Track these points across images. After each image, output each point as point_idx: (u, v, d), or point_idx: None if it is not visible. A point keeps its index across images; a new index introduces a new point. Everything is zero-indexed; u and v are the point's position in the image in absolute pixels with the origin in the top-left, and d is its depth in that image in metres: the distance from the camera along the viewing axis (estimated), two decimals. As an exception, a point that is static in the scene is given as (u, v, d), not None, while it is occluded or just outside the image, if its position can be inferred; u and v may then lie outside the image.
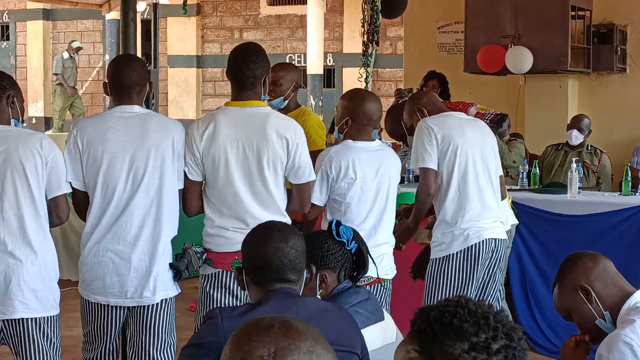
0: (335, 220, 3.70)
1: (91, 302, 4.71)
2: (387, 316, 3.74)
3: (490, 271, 5.46)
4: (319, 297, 3.60)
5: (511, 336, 1.85)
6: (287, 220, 4.73)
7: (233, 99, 4.77)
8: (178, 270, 4.65)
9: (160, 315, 4.70)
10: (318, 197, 5.02)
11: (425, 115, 5.53)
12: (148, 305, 4.67)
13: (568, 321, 3.52)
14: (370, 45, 9.14)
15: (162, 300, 4.69)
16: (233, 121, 4.66)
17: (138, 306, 4.68)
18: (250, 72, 4.72)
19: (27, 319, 4.42)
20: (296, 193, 4.79)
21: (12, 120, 4.55)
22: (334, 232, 3.67)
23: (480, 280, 5.43)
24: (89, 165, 4.63)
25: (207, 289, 4.70)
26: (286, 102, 5.82)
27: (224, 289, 4.66)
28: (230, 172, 4.64)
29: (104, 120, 4.72)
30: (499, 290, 5.96)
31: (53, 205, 4.53)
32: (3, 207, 4.40)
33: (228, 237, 4.63)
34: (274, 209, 4.70)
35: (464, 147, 5.35)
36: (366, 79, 9.07)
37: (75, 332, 6.11)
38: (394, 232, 5.28)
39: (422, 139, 5.35)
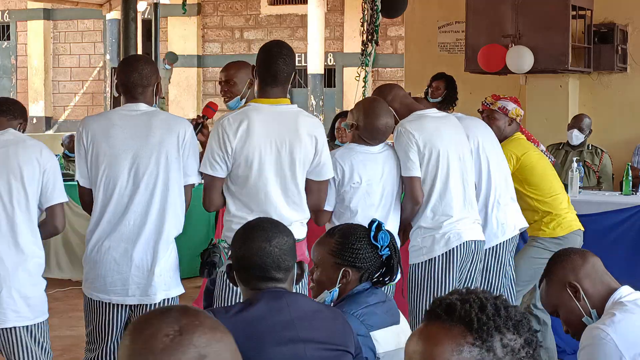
0: (377, 222, 3.67)
1: (94, 300, 4.70)
2: (403, 320, 3.73)
3: (473, 273, 5.45)
4: (337, 290, 3.59)
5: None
6: (309, 216, 4.77)
7: (261, 96, 4.75)
8: (214, 264, 4.61)
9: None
10: (328, 202, 5.02)
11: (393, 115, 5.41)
12: (151, 305, 4.66)
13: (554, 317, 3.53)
14: (369, 44, 9.11)
15: (164, 300, 4.68)
16: (266, 119, 4.66)
17: (140, 305, 4.67)
18: (286, 67, 4.72)
19: (19, 327, 4.45)
20: (316, 190, 4.81)
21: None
22: (372, 235, 3.65)
23: (462, 282, 5.41)
24: (92, 162, 4.63)
25: (215, 292, 4.71)
26: (243, 100, 5.68)
27: None
28: (263, 170, 4.63)
29: (109, 117, 4.74)
30: (511, 293, 5.93)
31: (50, 214, 4.55)
32: None
33: None
34: (301, 207, 4.72)
35: (444, 152, 5.32)
36: (365, 78, 9.04)
37: (76, 332, 6.12)
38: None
39: (403, 146, 5.29)
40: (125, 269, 4.60)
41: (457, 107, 8.25)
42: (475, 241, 5.39)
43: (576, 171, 7.53)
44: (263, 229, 3.20)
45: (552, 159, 8.05)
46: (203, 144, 5.23)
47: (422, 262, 5.30)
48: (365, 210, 5.02)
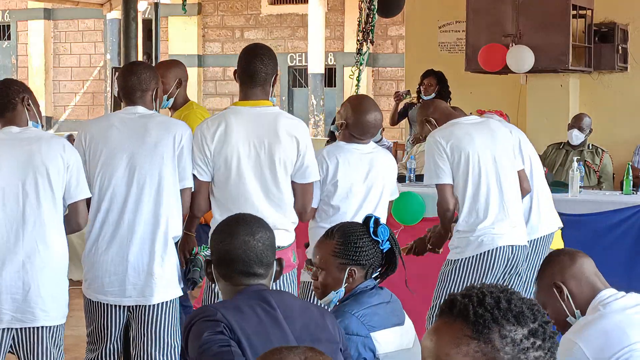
0: (374, 218, 3.68)
1: (93, 301, 4.70)
2: (408, 322, 3.72)
3: (506, 276, 5.42)
4: (343, 290, 3.59)
5: (550, 322, 1.88)
6: (296, 220, 4.75)
7: (241, 98, 4.76)
8: (194, 282, 4.63)
9: (162, 317, 4.69)
10: (314, 199, 5.02)
11: (435, 125, 5.50)
12: (149, 306, 4.66)
13: None
14: (364, 44, 9.11)
15: (163, 302, 4.68)
16: (244, 121, 4.66)
17: (139, 306, 4.67)
18: (264, 67, 4.74)
19: (43, 327, 4.40)
20: (300, 193, 4.79)
21: (31, 122, 4.54)
22: (371, 230, 3.65)
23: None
24: (90, 163, 4.65)
25: (216, 290, 4.65)
26: (171, 100, 5.71)
27: None
28: (242, 172, 4.63)
29: (108, 119, 4.79)
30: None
31: (72, 210, 4.52)
32: (25, 210, 4.37)
33: None
34: (284, 209, 4.71)
35: (475, 155, 5.32)
36: (358, 77, 9.04)
37: (77, 332, 6.11)
38: (428, 240, 5.39)
39: (432, 154, 5.33)
40: (122, 270, 4.60)
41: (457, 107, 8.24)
42: (512, 246, 5.36)
43: (577, 171, 7.53)
44: (246, 223, 3.17)
45: (544, 170, 8.07)
46: None
47: (453, 260, 5.33)
48: (348, 208, 4.99)
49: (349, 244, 3.61)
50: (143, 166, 4.63)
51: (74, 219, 4.53)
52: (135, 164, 4.63)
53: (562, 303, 3.45)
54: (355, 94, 8.68)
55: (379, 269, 3.71)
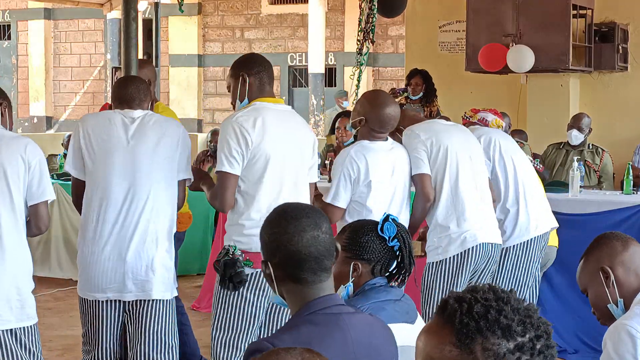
0: (386, 215, 3.67)
1: (89, 301, 4.69)
2: (420, 323, 3.71)
3: (484, 275, 5.43)
4: (351, 284, 3.58)
5: (549, 334, 1.82)
6: None
7: (261, 95, 4.73)
8: (243, 281, 4.55)
9: (160, 314, 4.68)
10: (343, 199, 5.02)
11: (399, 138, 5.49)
12: (148, 302, 4.65)
13: (584, 295, 3.48)
14: (365, 44, 9.11)
15: (159, 301, 4.67)
16: (276, 117, 4.68)
17: (137, 303, 4.66)
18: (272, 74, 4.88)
19: (3, 331, 4.33)
20: (311, 193, 4.85)
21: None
22: (379, 226, 3.66)
23: (467, 283, 5.40)
24: (86, 156, 4.66)
25: (242, 290, 4.58)
26: None
27: (259, 290, 4.58)
28: (277, 165, 4.61)
29: (108, 116, 4.79)
30: (533, 292, 5.91)
31: (33, 213, 4.43)
32: None
33: None
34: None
35: (453, 149, 5.34)
36: (358, 77, 9.04)
37: (77, 332, 6.11)
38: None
39: (411, 146, 5.34)
40: (121, 266, 4.59)
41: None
42: (491, 244, 5.38)
43: (577, 170, 7.53)
44: (308, 216, 2.86)
45: (541, 167, 8.06)
46: None
47: (437, 262, 5.31)
48: (380, 208, 5.00)
49: (355, 238, 3.62)
50: (141, 163, 4.63)
51: (34, 222, 4.45)
52: (133, 162, 4.63)
53: (606, 289, 3.33)
54: (356, 95, 8.69)
55: (390, 269, 3.69)
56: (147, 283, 4.62)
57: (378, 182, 5.03)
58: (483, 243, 5.32)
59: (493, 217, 5.52)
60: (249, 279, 4.58)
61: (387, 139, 5.16)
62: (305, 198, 4.71)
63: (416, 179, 5.31)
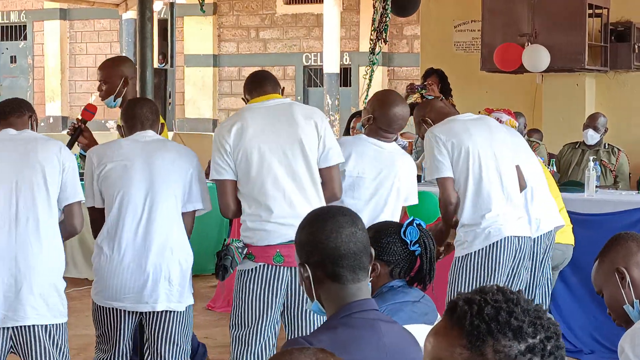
0: (411, 219, 3.68)
1: (105, 308, 4.73)
2: None
3: (515, 269, 5.41)
4: (369, 284, 3.57)
5: (558, 335, 1.82)
6: None
7: (253, 98, 4.83)
8: (225, 268, 4.62)
9: (177, 323, 4.74)
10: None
11: (432, 125, 5.49)
12: (163, 316, 4.70)
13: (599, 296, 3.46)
14: (377, 43, 9.11)
15: (176, 312, 4.72)
16: (260, 113, 4.72)
17: (153, 315, 4.71)
18: (270, 74, 4.97)
19: (37, 326, 4.37)
20: (328, 178, 4.77)
21: None
22: (402, 230, 3.65)
23: (505, 278, 5.39)
24: (102, 179, 4.70)
25: (248, 283, 4.65)
26: (119, 99, 5.62)
27: (264, 283, 4.63)
28: (266, 162, 4.64)
29: (119, 142, 4.88)
30: (545, 292, 5.88)
31: (67, 213, 4.51)
32: (18, 208, 4.37)
33: (269, 229, 4.61)
34: (314, 197, 4.69)
35: (475, 149, 5.32)
36: (370, 76, 9.03)
37: (92, 331, 6.11)
38: None
39: (432, 150, 5.32)
40: (139, 278, 4.63)
41: (472, 107, 8.23)
42: (518, 237, 5.36)
43: (593, 170, 7.50)
44: (344, 214, 2.86)
45: (552, 169, 8.03)
46: (86, 148, 5.39)
47: (462, 256, 5.30)
48: (352, 202, 4.94)
49: (376, 239, 3.62)
50: (159, 175, 4.68)
51: (68, 222, 4.52)
52: (151, 172, 4.69)
53: (621, 290, 3.30)
54: (365, 93, 8.69)
55: (410, 273, 3.69)
56: (164, 295, 4.66)
57: (356, 175, 4.99)
58: (509, 236, 5.30)
59: (521, 211, 5.48)
60: (252, 274, 4.63)
61: (391, 140, 5.14)
62: (310, 185, 4.70)
63: (438, 183, 5.31)
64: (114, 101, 5.60)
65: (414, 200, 5.24)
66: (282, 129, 4.69)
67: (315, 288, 2.82)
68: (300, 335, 4.68)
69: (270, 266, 4.60)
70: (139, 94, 6.08)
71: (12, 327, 4.35)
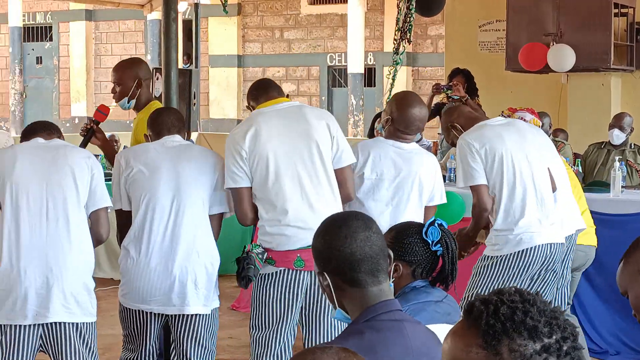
0: (433, 219, 3.68)
1: (132, 310, 4.76)
2: None
3: (542, 275, 5.39)
4: (392, 284, 3.57)
5: (576, 336, 1.82)
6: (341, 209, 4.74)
7: (261, 103, 4.84)
8: (249, 279, 4.64)
9: (204, 326, 4.76)
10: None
11: (460, 130, 5.48)
12: (189, 319, 4.72)
13: (624, 297, 3.44)
14: (401, 43, 9.10)
15: (202, 315, 4.74)
16: (272, 117, 4.71)
17: (179, 318, 4.73)
18: (273, 81, 5.02)
19: (67, 323, 4.41)
20: (342, 179, 4.77)
21: None
22: (424, 230, 3.66)
23: (529, 284, 5.37)
24: (129, 182, 4.73)
25: (268, 287, 4.66)
26: (133, 101, 5.65)
27: (284, 287, 4.63)
28: (284, 164, 4.64)
29: (146, 146, 4.90)
30: (565, 294, 5.86)
31: (94, 220, 4.55)
32: (48, 207, 4.42)
33: (289, 234, 4.61)
34: (332, 199, 4.69)
35: (508, 155, 5.29)
36: (393, 76, 9.02)
37: (117, 331, 6.14)
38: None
39: (465, 157, 5.29)
40: (166, 281, 4.65)
41: (497, 107, 8.21)
42: (550, 244, 5.33)
43: (618, 170, 7.46)
44: (357, 218, 2.86)
45: (576, 169, 8.00)
46: (104, 149, 5.52)
47: (491, 256, 5.29)
48: (373, 204, 4.96)
49: (398, 239, 3.62)
50: (186, 178, 4.71)
51: (95, 229, 4.57)
52: (177, 175, 4.71)
53: None
54: (388, 93, 8.69)
55: (432, 273, 3.68)
56: (191, 298, 4.68)
57: (375, 178, 4.99)
58: (541, 245, 5.27)
59: (554, 216, 5.45)
60: (273, 278, 4.63)
61: (410, 141, 5.13)
62: (327, 187, 4.70)
63: (472, 190, 5.29)
64: (128, 103, 5.62)
65: (441, 200, 5.22)
66: (296, 131, 4.69)
67: (337, 295, 2.81)
68: (317, 335, 4.70)
69: (290, 270, 4.61)
70: (164, 95, 6.10)
71: (43, 325, 4.38)
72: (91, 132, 5.52)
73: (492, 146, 5.28)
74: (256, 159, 4.63)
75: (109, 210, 4.65)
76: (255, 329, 4.71)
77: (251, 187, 4.67)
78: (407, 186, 5.04)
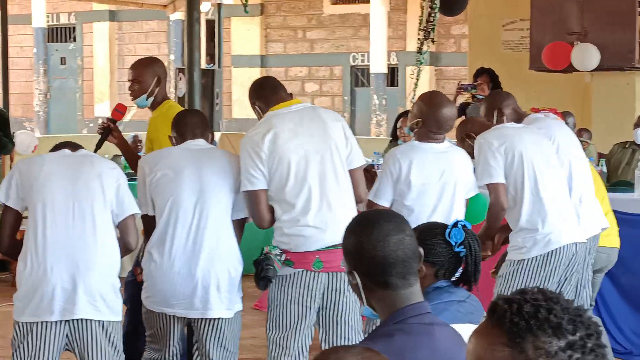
0: (456, 221, 3.68)
1: (155, 313, 4.77)
2: None
3: (567, 274, 5.38)
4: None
5: (599, 334, 1.82)
6: (355, 212, 4.74)
7: (270, 105, 4.81)
8: (269, 279, 4.63)
9: (227, 329, 4.77)
10: (384, 197, 5.00)
11: (504, 121, 5.52)
12: (211, 323, 4.74)
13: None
14: (425, 42, 9.09)
15: (225, 319, 4.75)
16: (288, 119, 4.71)
17: (202, 322, 4.75)
18: (277, 80, 5.02)
19: (93, 321, 4.42)
20: (355, 180, 4.78)
21: None
22: (447, 232, 3.64)
23: (560, 283, 5.35)
24: (153, 186, 4.74)
25: (286, 288, 4.65)
26: (151, 98, 5.65)
27: (302, 288, 4.63)
28: (304, 165, 4.64)
29: (169, 150, 4.92)
30: (588, 294, 5.83)
31: (122, 228, 4.58)
32: (74, 206, 4.45)
33: (308, 235, 4.61)
34: (349, 199, 4.69)
35: (528, 154, 5.29)
36: (417, 76, 9.01)
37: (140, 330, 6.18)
38: None
39: (484, 154, 5.28)
40: (190, 284, 4.66)
41: (520, 106, 8.17)
42: (575, 244, 5.33)
43: (643, 170, 7.43)
44: (389, 220, 2.78)
45: (599, 169, 7.97)
46: (121, 147, 5.53)
47: (518, 260, 5.27)
48: (422, 210, 4.97)
49: (422, 239, 3.60)
50: (209, 182, 4.72)
51: (124, 238, 4.60)
52: (201, 188, 4.73)
53: None
54: (413, 93, 8.68)
55: (455, 274, 3.67)
56: (214, 302, 4.69)
57: (421, 183, 4.99)
58: (567, 244, 5.27)
59: (575, 217, 5.44)
60: (291, 279, 4.62)
61: (442, 141, 5.12)
62: (346, 187, 4.71)
63: (490, 188, 5.26)
64: (146, 100, 5.63)
65: (475, 191, 5.25)
66: (315, 132, 4.69)
67: (366, 294, 2.77)
68: (335, 336, 4.70)
69: (308, 272, 4.60)
70: (187, 95, 6.11)
71: (69, 321, 4.40)
72: (108, 131, 5.55)
73: (511, 144, 5.27)
74: (276, 161, 4.62)
75: (136, 218, 4.68)
76: (273, 330, 4.71)
77: (266, 190, 4.67)
78: (450, 185, 5.06)
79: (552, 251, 5.23)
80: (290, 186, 4.63)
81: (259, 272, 4.60)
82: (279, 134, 4.64)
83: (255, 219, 4.75)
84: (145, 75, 5.62)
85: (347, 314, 4.68)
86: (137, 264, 5.11)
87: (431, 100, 5.14)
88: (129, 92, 5.67)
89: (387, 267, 2.72)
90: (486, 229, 5.34)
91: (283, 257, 4.60)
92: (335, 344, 4.65)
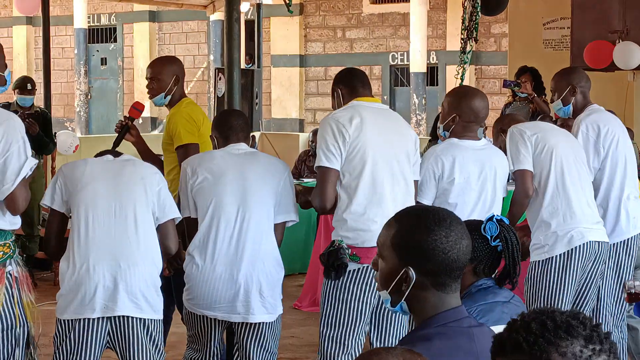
0: (491, 215, 3.66)
1: (197, 315, 4.79)
2: None
3: (592, 275, 5.35)
4: None
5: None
6: None
7: (355, 96, 4.84)
8: (345, 265, 4.58)
9: (267, 333, 4.79)
10: (428, 196, 5.00)
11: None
12: (252, 328, 4.77)
13: None
14: (468, 42, 9.05)
15: (265, 323, 4.77)
16: (373, 114, 4.75)
17: (243, 326, 4.77)
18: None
19: (135, 318, 4.45)
20: (415, 191, 4.91)
21: None
22: (482, 227, 3.63)
23: (581, 283, 5.32)
24: (196, 189, 4.76)
25: (348, 284, 4.64)
26: (169, 97, 5.67)
27: (364, 285, 4.62)
28: (378, 160, 4.68)
29: (212, 153, 4.94)
30: (617, 300, 5.78)
31: (163, 232, 4.61)
32: (116, 205, 4.49)
33: (376, 230, 4.60)
34: (410, 203, 4.70)
35: (558, 148, 5.30)
36: (462, 76, 8.98)
37: (181, 329, 6.20)
38: None
39: (515, 142, 5.31)
40: (232, 288, 4.67)
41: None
42: (599, 242, 5.30)
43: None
44: (458, 222, 2.69)
45: None
46: (136, 144, 5.58)
47: (542, 260, 5.24)
48: (464, 207, 4.97)
49: None
50: (251, 187, 4.74)
51: (163, 243, 4.62)
52: (243, 183, 4.73)
53: None
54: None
55: (494, 268, 3.65)
56: (255, 306, 4.71)
57: (463, 180, 4.99)
58: (590, 241, 5.24)
59: (599, 217, 5.44)
60: (355, 274, 4.60)
61: (480, 138, 5.11)
62: (412, 194, 4.79)
63: (517, 174, 5.28)
64: (164, 98, 5.65)
65: (505, 192, 5.29)
66: (396, 133, 4.77)
67: (412, 291, 2.66)
68: (387, 335, 4.68)
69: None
70: (226, 95, 6.13)
71: (111, 319, 4.43)
72: (126, 129, 5.59)
73: (544, 135, 5.32)
74: (357, 147, 4.64)
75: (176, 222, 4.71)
76: (330, 327, 4.67)
77: (338, 172, 4.65)
78: (489, 182, 5.08)
79: (575, 248, 5.20)
80: (364, 176, 4.65)
81: (332, 261, 4.56)
82: (365, 123, 4.66)
83: (318, 198, 4.69)
84: (163, 73, 5.65)
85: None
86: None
87: (462, 94, 5.19)
88: (147, 90, 5.70)
89: (453, 270, 2.64)
90: (509, 216, 5.30)
91: (349, 252, 4.58)
92: (387, 344, 4.64)
